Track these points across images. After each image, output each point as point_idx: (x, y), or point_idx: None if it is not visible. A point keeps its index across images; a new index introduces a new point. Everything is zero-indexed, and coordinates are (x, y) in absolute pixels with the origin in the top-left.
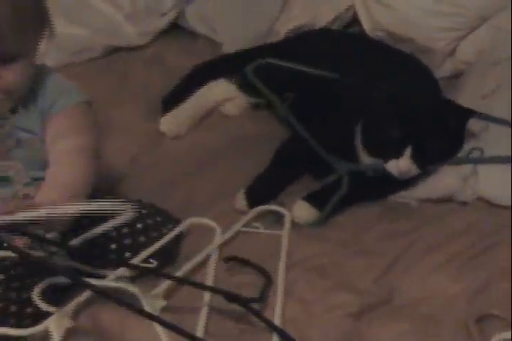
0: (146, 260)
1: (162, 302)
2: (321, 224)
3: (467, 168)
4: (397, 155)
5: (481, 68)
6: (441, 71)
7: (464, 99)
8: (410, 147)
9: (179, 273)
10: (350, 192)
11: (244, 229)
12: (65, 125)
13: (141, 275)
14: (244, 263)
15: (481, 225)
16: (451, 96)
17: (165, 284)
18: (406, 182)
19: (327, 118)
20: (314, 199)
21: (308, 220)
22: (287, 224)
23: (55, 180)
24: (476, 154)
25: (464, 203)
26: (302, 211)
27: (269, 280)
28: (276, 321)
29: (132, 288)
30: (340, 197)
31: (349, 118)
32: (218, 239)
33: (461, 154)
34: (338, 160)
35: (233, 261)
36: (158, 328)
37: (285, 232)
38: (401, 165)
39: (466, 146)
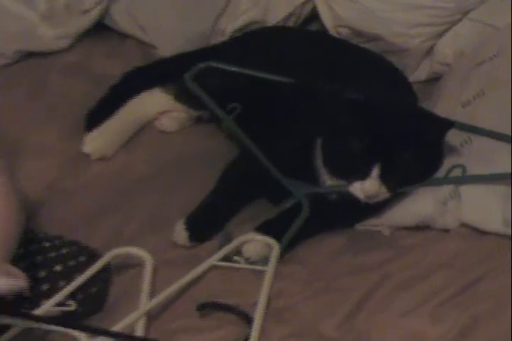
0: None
1: None
2: (276, 257)
3: (447, 190)
4: (363, 175)
5: (462, 70)
6: (416, 74)
7: (442, 106)
8: (378, 165)
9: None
10: (311, 220)
11: (222, 263)
12: None
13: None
14: (224, 309)
15: (465, 256)
16: (428, 103)
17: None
18: (375, 208)
19: (282, 133)
20: (269, 229)
21: (261, 255)
22: (273, 259)
23: None
24: (457, 173)
25: (445, 231)
26: (254, 244)
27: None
28: None
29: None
30: (300, 225)
31: (307, 132)
32: (186, 277)
33: (439, 173)
34: (295, 182)
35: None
36: None
37: (271, 268)
38: (367, 187)
39: (446, 164)
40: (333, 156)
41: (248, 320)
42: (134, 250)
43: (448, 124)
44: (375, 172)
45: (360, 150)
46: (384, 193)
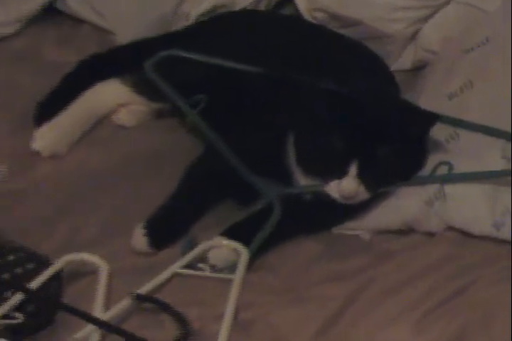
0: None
1: None
2: (244, 264)
3: (432, 189)
4: (340, 173)
5: (449, 58)
6: (399, 63)
7: (427, 98)
8: (356, 163)
9: None
10: (284, 223)
11: (185, 271)
12: None
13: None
14: (162, 307)
15: (452, 262)
16: (412, 94)
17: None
18: (354, 210)
19: (251, 127)
20: (237, 233)
21: (228, 262)
22: (242, 267)
23: None
24: (443, 170)
25: (430, 235)
26: (221, 250)
27: (185, 334)
28: None
29: None
30: (271, 229)
31: (279, 127)
32: (146, 286)
33: (424, 171)
34: (265, 182)
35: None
36: None
37: (239, 276)
38: (344, 186)
39: (431, 161)
40: (307, 152)
41: (183, 322)
42: (88, 256)
43: (433, 118)
44: (353, 170)
45: (336, 145)
46: (363, 193)
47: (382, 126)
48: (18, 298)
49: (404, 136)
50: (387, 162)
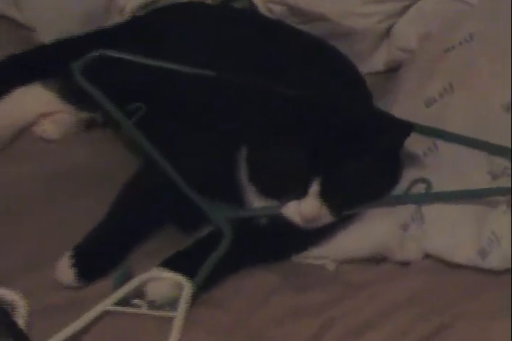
0: None
1: None
2: (188, 299)
3: (408, 211)
4: (299, 193)
5: (427, 58)
6: (370, 64)
7: (402, 105)
8: (318, 180)
9: None
10: (235, 252)
11: (118, 308)
12: None
13: None
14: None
15: (430, 296)
16: (384, 101)
17: None
18: (318, 235)
19: (197, 140)
20: (179, 263)
21: (169, 297)
22: (184, 303)
23: None
24: (419, 189)
25: (406, 264)
26: (160, 283)
27: None
28: None
29: None
30: (220, 259)
31: (229, 139)
32: (73, 325)
33: (398, 190)
34: (214, 204)
35: None
36: None
37: (180, 315)
38: (305, 207)
39: (406, 177)
40: (261, 168)
41: None
42: (3, 292)
43: (407, 128)
44: (315, 188)
45: (295, 160)
46: (326, 216)
47: (349, 138)
48: None
49: (374, 150)
50: (354, 179)
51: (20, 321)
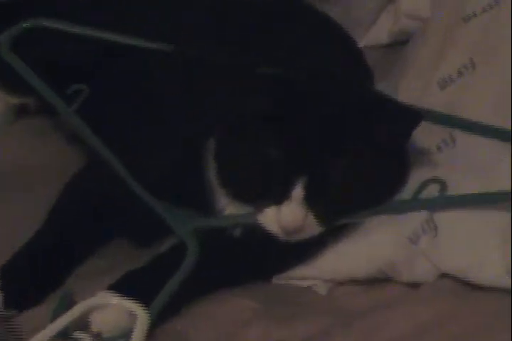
0: None
1: None
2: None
3: (418, 220)
4: (280, 197)
5: (442, 29)
6: (371, 35)
7: (410, 86)
8: (303, 182)
9: None
10: (203, 271)
11: None
12: None
13: None
14: None
15: (448, 325)
16: (389, 81)
17: None
18: (304, 251)
19: (154, 132)
20: (133, 286)
21: (120, 328)
22: (139, 335)
23: None
24: (432, 191)
25: (415, 286)
26: (108, 311)
27: None
28: None
29: None
30: (184, 280)
31: (193, 131)
32: None
33: (405, 193)
34: (177, 212)
35: None
36: None
37: None
38: (286, 215)
39: (415, 178)
40: (232, 167)
41: None
42: None
43: (415, 116)
44: (298, 192)
45: (274, 157)
46: (312, 226)
47: (341, 129)
48: None
49: (373, 143)
50: (348, 181)
51: None
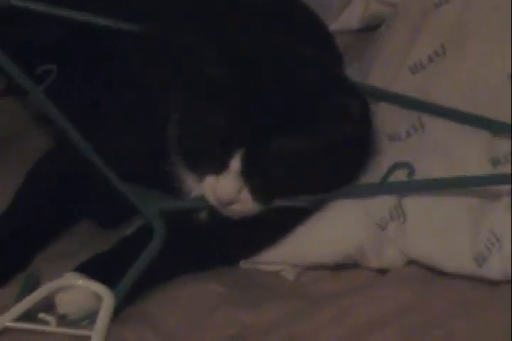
0: None
1: None
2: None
3: (385, 206)
4: (219, 168)
5: (414, 14)
6: (342, 19)
7: (381, 71)
8: (241, 154)
9: None
10: (169, 254)
11: (20, 324)
12: None
13: None
14: None
15: (414, 311)
16: (359, 65)
17: None
18: (272, 235)
19: (120, 110)
20: (98, 268)
21: (85, 310)
22: (104, 318)
23: None
24: (400, 176)
25: (383, 272)
26: (74, 293)
27: None
28: None
29: None
30: (150, 263)
31: (155, 108)
32: None
33: (372, 177)
34: (143, 192)
35: None
36: None
37: (98, 334)
38: (220, 184)
39: (383, 162)
40: (187, 138)
41: None
42: None
43: (363, 102)
44: (236, 163)
45: (218, 124)
46: (248, 201)
47: (289, 108)
48: None
49: (321, 128)
50: (289, 161)
51: None
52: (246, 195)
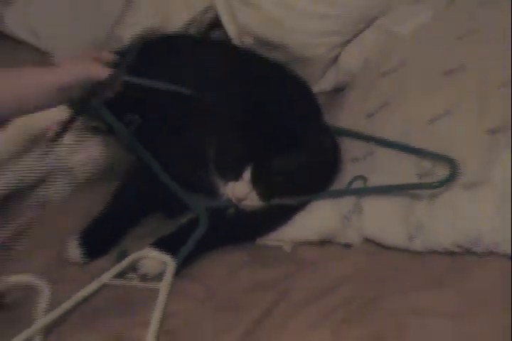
0: None
1: None
2: (171, 273)
3: (349, 202)
4: (236, 177)
5: (367, 80)
6: (321, 84)
7: (347, 117)
8: (251, 169)
9: None
10: (210, 235)
11: (114, 281)
12: None
13: None
14: None
15: (367, 272)
16: (333, 113)
17: None
18: (276, 222)
19: (180, 144)
20: (165, 244)
21: (156, 272)
22: (168, 276)
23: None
24: (359, 184)
25: (348, 246)
26: (150, 260)
27: None
28: None
29: None
30: (198, 241)
31: (204, 142)
32: (77, 295)
33: (338, 185)
34: (194, 196)
35: None
36: None
37: (165, 285)
38: (236, 188)
39: (348, 175)
40: (219, 158)
41: None
42: (27, 278)
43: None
44: (247, 175)
45: (237, 146)
46: (254, 199)
47: (284, 140)
48: None
49: (307, 151)
50: (286, 173)
51: (43, 305)
52: (253, 195)
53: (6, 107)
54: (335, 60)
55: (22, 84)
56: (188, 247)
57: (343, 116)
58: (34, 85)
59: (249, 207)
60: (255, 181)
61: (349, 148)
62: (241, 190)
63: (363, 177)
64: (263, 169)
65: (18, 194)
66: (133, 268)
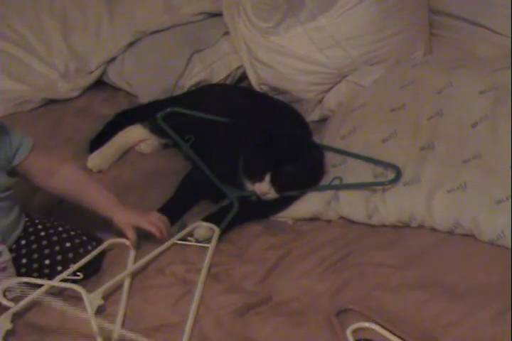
0: (74, 273)
1: (99, 302)
2: (216, 237)
3: (330, 193)
4: (260, 179)
5: (341, 114)
6: (311, 116)
7: (328, 138)
8: (270, 174)
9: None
10: (240, 213)
11: (179, 241)
12: (45, 160)
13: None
14: None
15: (341, 238)
16: (319, 136)
17: (101, 289)
18: (283, 205)
19: (220, 154)
20: (212, 219)
21: (206, 236)
22: (214, 239)
23: (112, 197)
24: (337, 182)
25: (329, 221)
26: (202, 229)
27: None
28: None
29: (78, 289)
30: (232, 217)
31: (235, 154)
32: (156, 250)
33: (324, 182)
34: (229, 188)
35: None
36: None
37: (212, 245)
38: (260, 187)
39: (329, 176)
40: (247, 164)
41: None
42: (122, 240)
43: (321, 153)
44: (267, 178)
45: (260, 160)
46: (273, 193)
47: (290, 154)
48: (80, 263)
49: (305, 161)
50: (292, 175)
51: (132, 257)
52: (272, 191)
53: (73, 201)
54: (321, 101)
55: (96, 202)
56: (226, 220)
57: (326, 138)
58: (101, 210)
59: (269, 198)
60: (273, 182)
61: (330, 158)
62: (264, 188)
63: (339, 178)
64: (278, 174)
65: None
66: (191, 234)
